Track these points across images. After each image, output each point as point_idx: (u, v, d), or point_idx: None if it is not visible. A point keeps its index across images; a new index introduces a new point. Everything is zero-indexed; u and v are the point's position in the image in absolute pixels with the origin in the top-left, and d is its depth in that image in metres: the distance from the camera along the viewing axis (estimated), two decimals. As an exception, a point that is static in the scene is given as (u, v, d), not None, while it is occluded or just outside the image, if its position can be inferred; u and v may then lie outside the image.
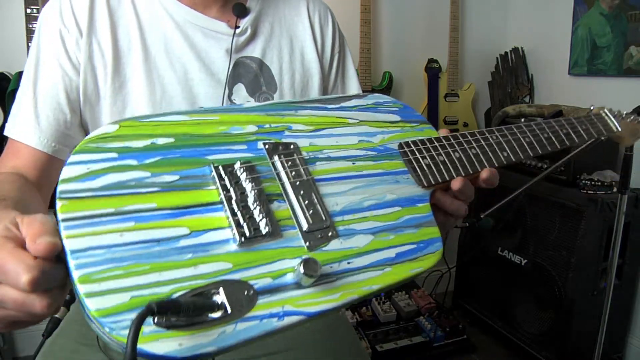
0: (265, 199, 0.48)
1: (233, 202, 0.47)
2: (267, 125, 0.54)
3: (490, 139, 0.66)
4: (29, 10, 1.57)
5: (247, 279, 0.43)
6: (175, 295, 0.40)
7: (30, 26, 1.57)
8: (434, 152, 0.62)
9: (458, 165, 0.62)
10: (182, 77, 0.73)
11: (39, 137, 0.70)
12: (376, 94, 0.65)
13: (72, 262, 0.39)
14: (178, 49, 0.74)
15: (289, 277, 0.45)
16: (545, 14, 2.23)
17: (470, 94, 2.30)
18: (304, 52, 0.83)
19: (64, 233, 0.40)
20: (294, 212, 0.49)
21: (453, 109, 2.26)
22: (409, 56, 2.24)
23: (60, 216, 0.41)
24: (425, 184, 0.59)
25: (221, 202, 0.47)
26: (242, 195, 0.48)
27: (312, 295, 0.45)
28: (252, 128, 0.53)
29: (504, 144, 0.67)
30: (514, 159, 0.66)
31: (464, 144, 0.64)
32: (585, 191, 1.60)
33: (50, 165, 0.71)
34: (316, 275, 0.44)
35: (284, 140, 0.54)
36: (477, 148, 0.64)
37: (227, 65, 0.75)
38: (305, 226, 0.49)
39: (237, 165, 0.49)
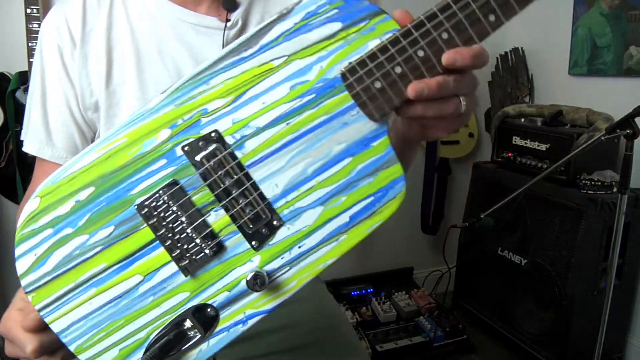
0: (199, 219, 0.47)
1: (167, 238, 0.48)
2: (180, 121, 0.47)
3: (472, 4, 0.45)
4: (29, 10, 1.56)
5: (206, 300, 0.47)
6: (151, 336, 0.47)
7: (30, 26, 1.57)
8: (388, 66, 0.46)
9: (424, 69, 0.46)
10: (174, 76, 0.74)
11: (52, 152, 0.74)
12: (305, 3, 0.48)
13: (63, 340, 0.47)
14: (171, 49, 0.74)
15: (243, 284, 0.47)
16: (545, 14, 2.23)
17: (470, 94, 2.30)
18: None
19: (46, 320, 0.48)
20: (232, 217, 0.48)
21: (453, 109, 2.26)
22: (409, 56, 2.23)
23: (36, 307, 0.48)
24: (379, 118, 0.48)
25: (157, 240, 0.48)
26: (173, 226, 0.47)
27: (269, 293, 0.47)
28: (165, 133, 0.47)
29: (492, 3, 0.45)
30: (505, 19, 0.46)
31: (433, 30, 0.46)
32: (585, 191, 1.60)
33: None
34: (265, 287, 0.46)
35: (203, 132, 0.47)
36: (450, 29, 0.46)
37: None
38: (246, 228, 0.47)
39: (158, 196, 0.47)
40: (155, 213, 0.47)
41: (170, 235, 0.47)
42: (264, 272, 0.46)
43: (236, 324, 0.47)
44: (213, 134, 0.47)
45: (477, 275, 2.08)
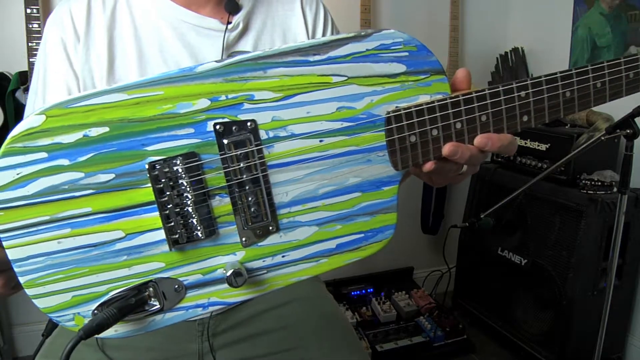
0: (204, 199, 0.46)
1: (168, 207, 0.45)
2: (223, 97, 0.46)
3: (516, 99, 0.51)
4: (29, 10, 1.56)
5: (178, 276, 0.46)
6: (111, 293, 0.46)
7: (30, 26, 1.57)
8: (428, 126, 0.50)
9: (454, 138, 0.51)
10: None
11: None
12: (385, 32, 0.49)
13: (16, 270, 0.44)
14: (172, 49, 0.75)
15: (219, 273, 0.47)
16: (545, 14, 2.23)
17: (470, 94, 2.30)
18: None
19: (4, 243, 0.43)
20: (235, 208, 0.47)
21: (453, 109, 2.26)
22: (409, 56, 2.23)
23: None
24: (401, 168, 0.52)
25: (156, 204, 0.46)
26: (178, 198, 0.45)
27: (239, 288, 0.47)
28: (203, 103, 0.45)
29: (531, 104, 0.51)
30: (534, 123, 0.52)
31: (477, 109, 0.51)
32: (585, 191, 1.60)
33: None
34: (239, 285, 0.46)
35: (241, 117, 0.46)
36: (490, 114, 0.51)
37: None
38: (243, 223, 0.47)
39: (176, 161, 0.45)
40: (164, 178, 0.45)
41: (171, 205, 0.45)
42: (245, 271, 0.46)
43: (197, 306, 0.47)
44: (250, 124, 0.46)
45: (477, 275, 2.08)
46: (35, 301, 0.45)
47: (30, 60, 1.58)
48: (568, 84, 0.51)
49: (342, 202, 0.50)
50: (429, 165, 0.52)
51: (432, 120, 0.50)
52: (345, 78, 0.48)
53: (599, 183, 1.59)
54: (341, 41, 0.48)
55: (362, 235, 0.50)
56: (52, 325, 0.83)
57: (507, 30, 2.45)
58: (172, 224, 0.46)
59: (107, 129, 0.43)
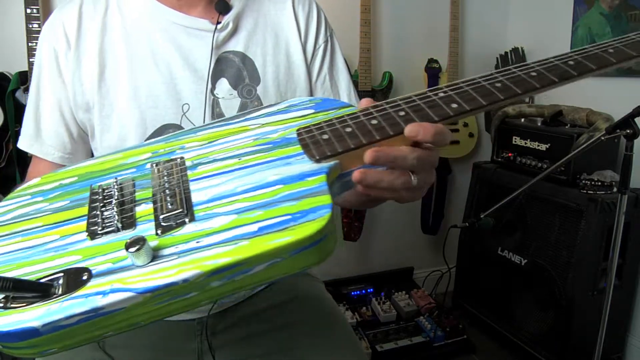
0: (129, 204, 0.51)
1: (96, 207, 0.52)
2: (161, 150, 0.59)
3: (434, 97, 0.51)
4: (29, 10, 1.56)
5: (89, 266, 0.46)
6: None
7: (30, 26, 1.57)
8: (339, 125, 0.51)
9: (372, 130, 0.49)
10: (167, 76, 0.76)
11: (41, 149, 0.78)
12: (293, 99, 0.59)
13: None
14: (163, 51, 0.76)
15: (129, 261, 0.45)
16: (545, 14, 2.23)
17: (470, 94, 2.30)
18: (289, 45, 0.83)
19: None
20: (155, 210, 0.50)
21: (453, 109, 2.26)
22: (409, 56, 2.23)
23: None
24: (317, 157, 0.50)
25: (87, 212, 0.52)
26: (105, 202, 0.52)
27: (145, 273, 0.44)
28: (146, 155, 0.59)
29: (455, 96, 0.51)
30: (468, 108, 0.50)
31: (390, 109, 0.51)
32: (585, 191, 1.60)
33: None
34: (136, 251, 0.44)
35: (171, 157, 0.57)
36: (407, 110, 0.50)
37: (209, 61, 0.77)
38: (161, 218, 0.48)
39: (111, 182, 0.55)
40: (100, 195, 0.53)
41: (98, 206, 0.52)
42: (148, 242, 0.44)
43: (97, 293, 0.44)
44: (179, 160, 0.56)
45: (477, 275, 2.08)
46: None
47: (30, 60, 1.58)
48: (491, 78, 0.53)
49: (262, 194, 0.48)
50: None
51: (341, 122, 0.52)
52: (260, 124, 0.58)
53: (599, 183, 1.59)
54: (255, 109, 0.61)
55: (289, 217, 0.46)
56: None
57: (507, 30, 2.45)
58: (96, 219, 0.50)
59: (76, 178, 0.57)
